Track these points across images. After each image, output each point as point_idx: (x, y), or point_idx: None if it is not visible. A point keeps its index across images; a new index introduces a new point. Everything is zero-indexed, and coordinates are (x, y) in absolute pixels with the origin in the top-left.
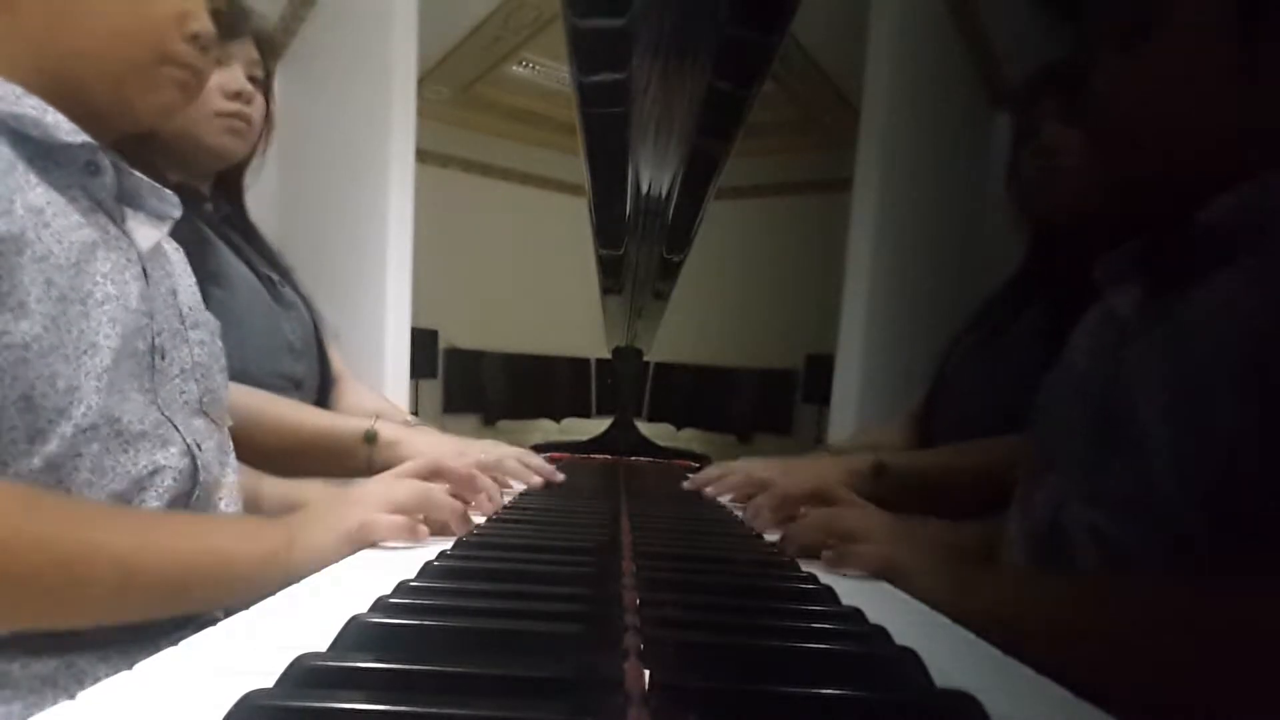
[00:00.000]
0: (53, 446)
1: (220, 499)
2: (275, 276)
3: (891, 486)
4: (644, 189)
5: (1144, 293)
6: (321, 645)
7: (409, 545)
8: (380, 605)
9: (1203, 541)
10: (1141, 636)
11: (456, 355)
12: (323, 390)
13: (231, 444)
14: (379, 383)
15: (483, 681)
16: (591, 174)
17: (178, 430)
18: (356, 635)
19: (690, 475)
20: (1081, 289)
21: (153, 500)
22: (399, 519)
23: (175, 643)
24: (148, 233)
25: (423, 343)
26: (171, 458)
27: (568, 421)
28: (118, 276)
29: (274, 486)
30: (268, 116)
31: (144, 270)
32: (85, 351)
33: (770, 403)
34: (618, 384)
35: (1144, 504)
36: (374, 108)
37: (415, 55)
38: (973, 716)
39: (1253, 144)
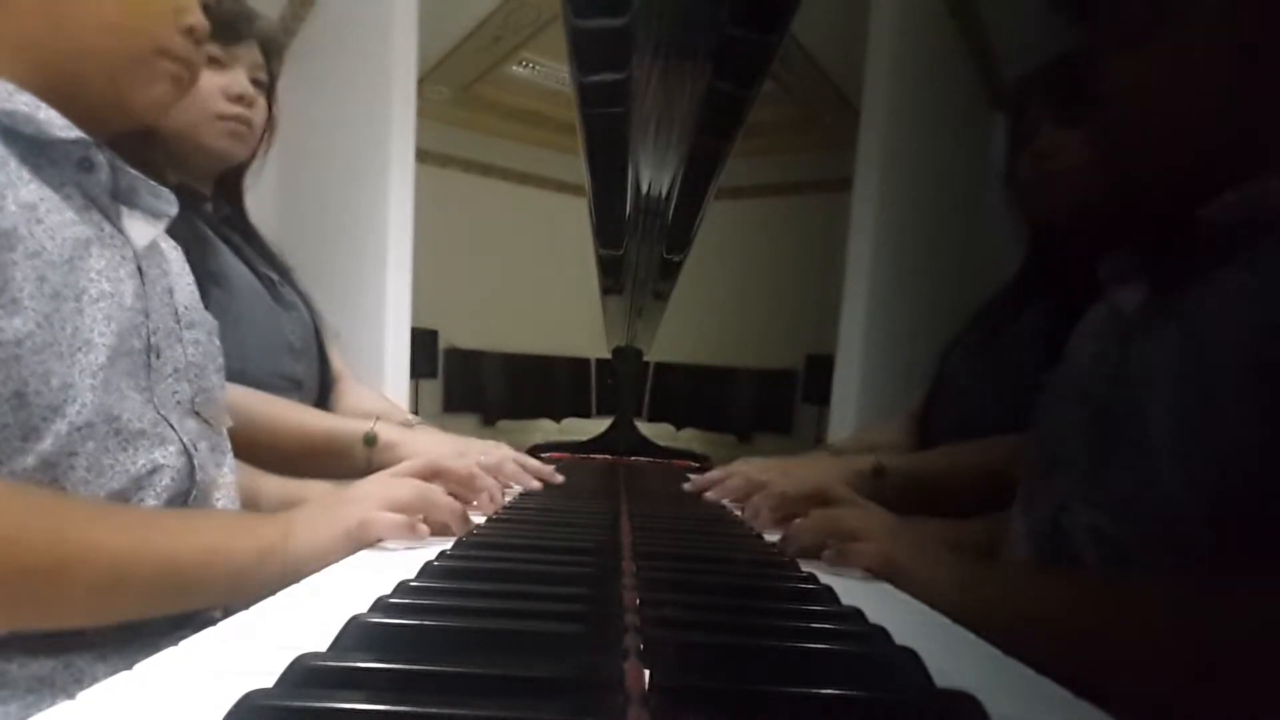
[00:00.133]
0: (47, 444)
1: (218, 498)
2: (275, 277)
3: (891, 488)
4: (644, 189)
5: (1148, 291)
6: (321, 645)
7: (409, 545)
8: (380, 605)
9: (1207, 541)
10: (1142, 635)
11: (456, 355)
12: (323, 390)
13: (229, 444)
14: (379, 383)
15: (483, 681)
16: (591, 174)
17: (174, 429)
18: (356, 635)
19: (690, 476)
20: (1081, 289)
21: (150, 499)
22: (399, 518)
23: (175, 643)
24: (143, 230)
25: (423, 343)
26: (169, 456)
27: (568, 421)
28: (112, 274)
29: (273, 485)
30: (269, 119)
31: (139, 268)
32: (79, 349)
33: (770, 403)
34: (618, 384)
35: (1147, 505)
36: (374, 108)
37: (415, 55)
38: (973, 716)
39: (1258, 142)
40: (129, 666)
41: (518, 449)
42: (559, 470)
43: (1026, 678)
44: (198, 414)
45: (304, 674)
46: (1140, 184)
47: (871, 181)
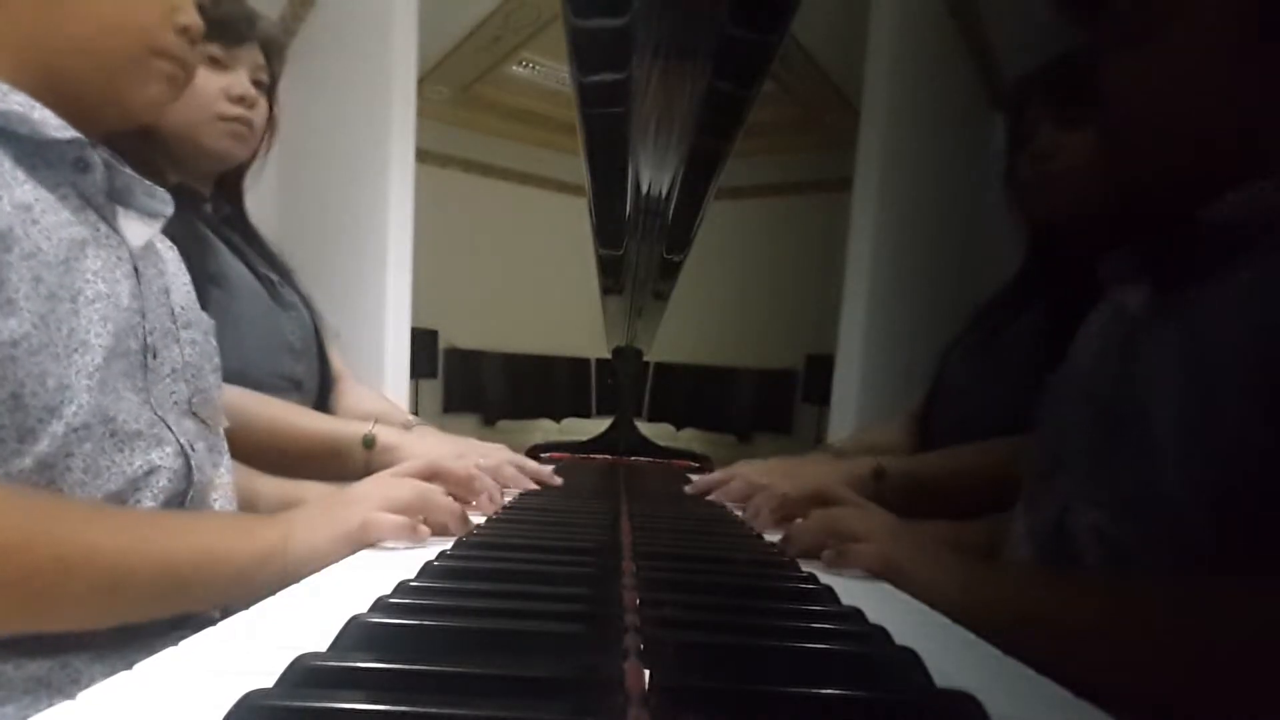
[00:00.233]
0: (43, 446)
1: (215, 499)
2: (275, 277)
3: (891, 490)
4: (644, 189)
5: (1151, 291)
6: (321, 645)
7: (409, 545)
8: (380, 605)
9: (1210, 542)
10: (1144, 636)
11: (456, 355)
12: (323, 391)
13: (226, 444)
14: (379, 383)
15: (483, 681)
16: (591, 174)
17: (170, 430)
18: (356, 635)
19: (691, 477)
20: (1081, 289)
21: (147, 500)
22: (400, 519)
23: (174, 643)
24: (139, 230)
25: (423, 343)
26: (166, 458)
27: (568, 421)
28: (108, 274)
29: (271, 486)
30: (270, 120)
31: (135, 268)
32: (76, 350)
33: (770, 403)
34: (618, 384)
35: (1151, 505)
36: (374, 108)
37: (415, 55)
38: (973, 716)
39: (1260, 142)
40: (127, 667)
41: (518, 449)
42: (558, 471)
43: (1026, 678)
44: (195, 414)
45: (304, 674)
46: (1142, 184)
47: (871, 181)
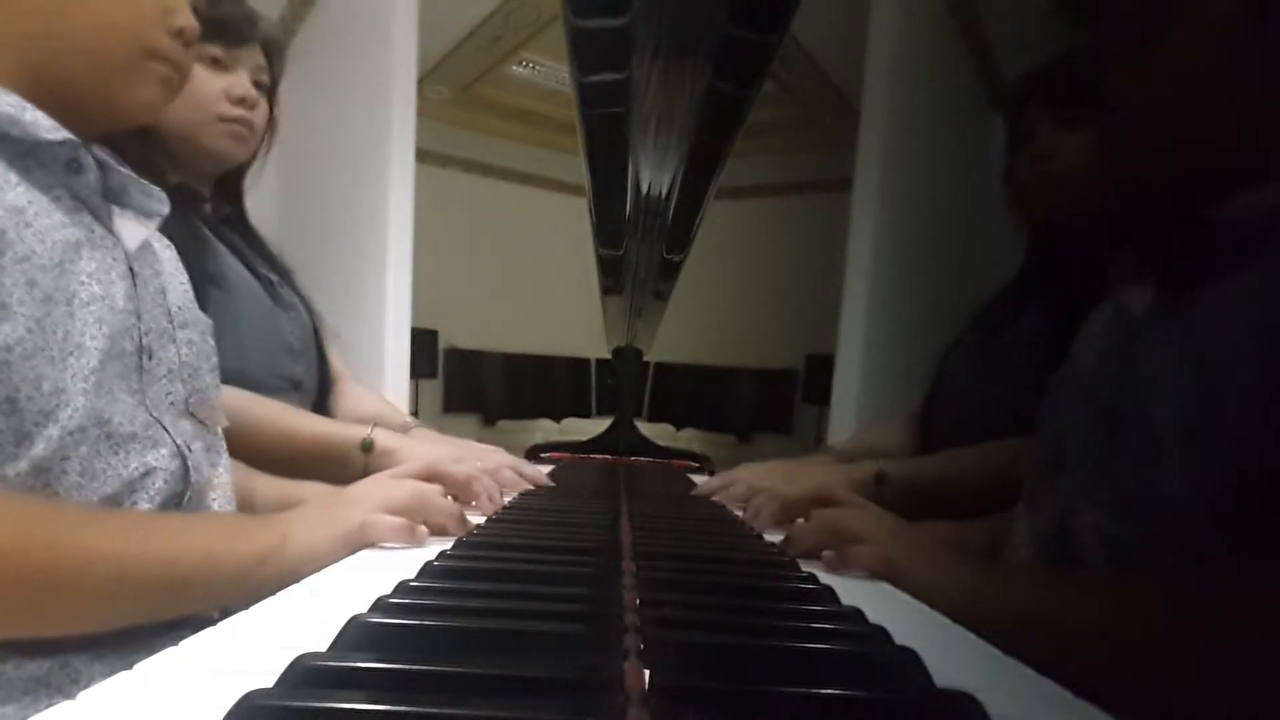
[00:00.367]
0: (39, 449)
1: (213, 499)
2: (274, 278)
3: (893, 494)
4: (644, 189)
5: (1157, 291)
6: (321, 645)
7: (408, 545)
8: (380, 605)
9: (1214, 544)
10: (1147, 639)
11: (456, 355)
12: (322, 391)
13: (224, 444)
14: (379, 383)
15: (483, 681)
16: (591, 174)
17: (167, 431)
18: (356, 635)
19: (691, 478)
20: (1082, 289)
21: (144, 502)
22: (398, 520)
23: (173, 643)
24: (135, 230)
25: (423, 343)
26: (162, 459)
27: (568, 422)
28: (103, 276)
29: (269, 486)
30: (270, 122)
31: (131, 269)
32: (71, 353)
33: (770, 403)
34: (618, 384)
35: (1155, 506)
36: (374, 108)
37: (415, 55)
38: (973, 716)
39: (1264, 142)
40: (127, 667)
41: (518, 449)
42: (558, 471)
43: (1026, 678)
44: (192, 415)
45: (304, 674)
46: (1142, 184)
47: (871, 181)
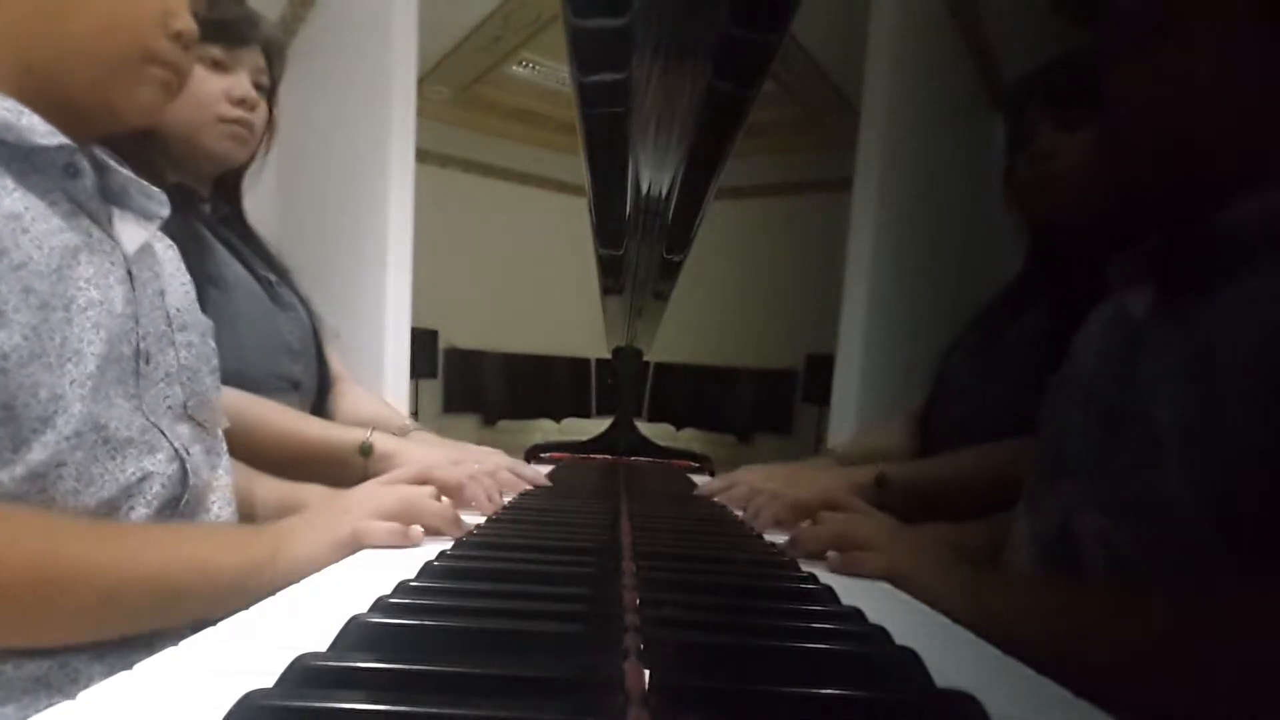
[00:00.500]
0: (36, 455)
1: (213, 501)
2: (273, 278)
3: (893, 497)
4: (644, 189)
5: (1157, 294)
6: (321, 645)
7: (405, 547)
8: (380, 605)
9: (1217, 551)
10: (1154, 647)
11: (456, 355)
12: (321, 392)
13: (224, 446)
14: (379, 383)
15: (483, 681)
16: (591, 174)
17: (164, 435)
18: (356, 635)
19: (692, 478)
20: (1083, 290)
21: (142, 507)
22: (392, 525)
23: (174, 643)
24: (135, 233)
25: (423, 343)
26: (159, 464)
27: (568, 422)
28: (101, 281)
29: (269, 488)
30: (270, 123)
31: (129, 272)
32: (69, 359)
33: (770, 403)
34: (618, 384)
35: (1158, 512)
36: (374, 108)
37: (415, 55)
38: (973, 716)
39: (1265, 147)
40: (127, 667)
41: (518, 449)
42: (558, 471)
43: (1026, 678)
44: (191, 418)
45: (304, 674)
46: (1143, 186)
47: (871, 181)
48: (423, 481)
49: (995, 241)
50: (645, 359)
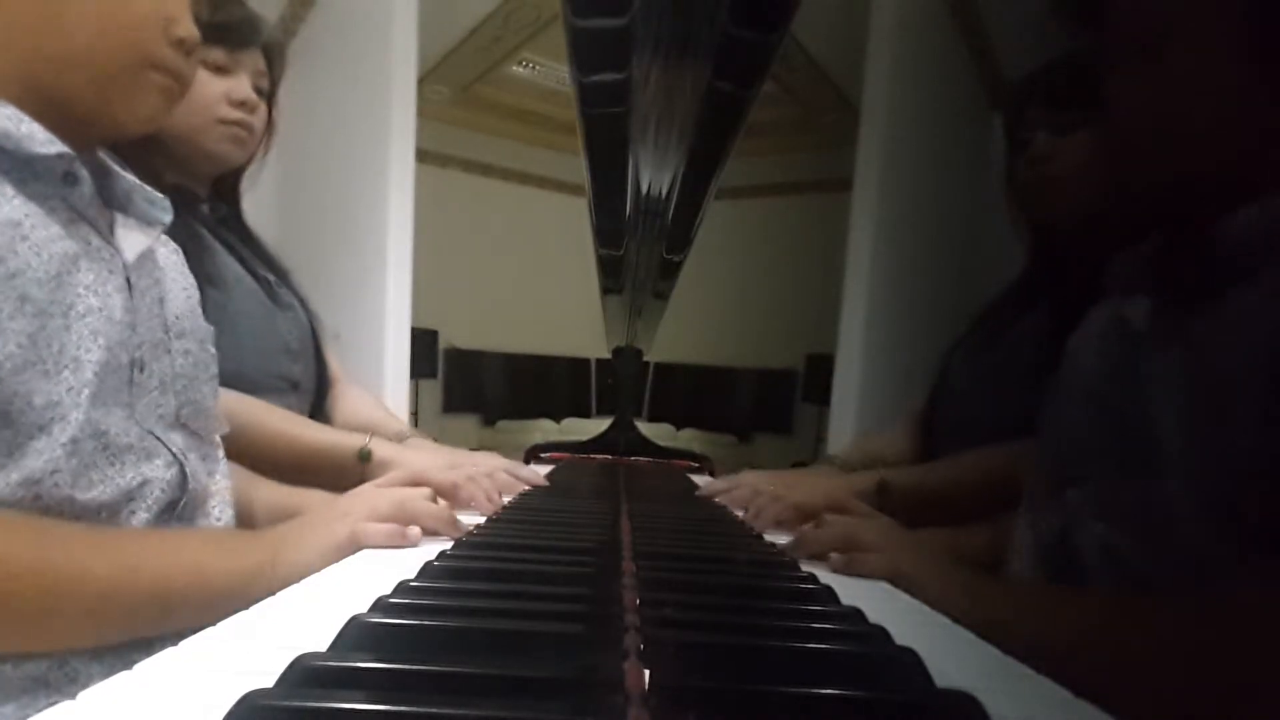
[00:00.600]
0: (31, 462)
1: (213, 506)
2: (272, 278)
3: (896, 504)
4: (644, 189)
5: (1157, 302)
6: (321, 645)
7: (402, 548)
8: (380, 605)
9: (1218, 557)
10: (1157, 654)
11: (456, 355)
12: (319, 392)
13: (221, 451)
14: (379, 383)
15: (483, 681)
16: (591, 174)
17: (162, 441)
18: (356, 635)
19: (694, 479)
20: (1084, 291)
21: (142, 511)
22: (389, 526)
23: (174, 642)
24: (136, 240)
25: (423, 343)
26: (158, 469)
27: (568, 422)
28: (100, 288)
29: (269, 493)
30: (269, 124)
31: (128, 280)
32: (66, 366)
33: (770, 403)
34: (618, 384)
35: (1159, 521)
36: (374, 108)
37: (415, 55)
38: (973, 716)
39: (1266, 152)
40: (126, 667)
41: (518, 449)
42: (556, 472)
43: (1026, 678)
44: (185, 426)
45: (304, 674)
46: (1143, 190)
47: (871, 181)
48: (418, 484)
49: (995, 242)
50: (645, 359)
